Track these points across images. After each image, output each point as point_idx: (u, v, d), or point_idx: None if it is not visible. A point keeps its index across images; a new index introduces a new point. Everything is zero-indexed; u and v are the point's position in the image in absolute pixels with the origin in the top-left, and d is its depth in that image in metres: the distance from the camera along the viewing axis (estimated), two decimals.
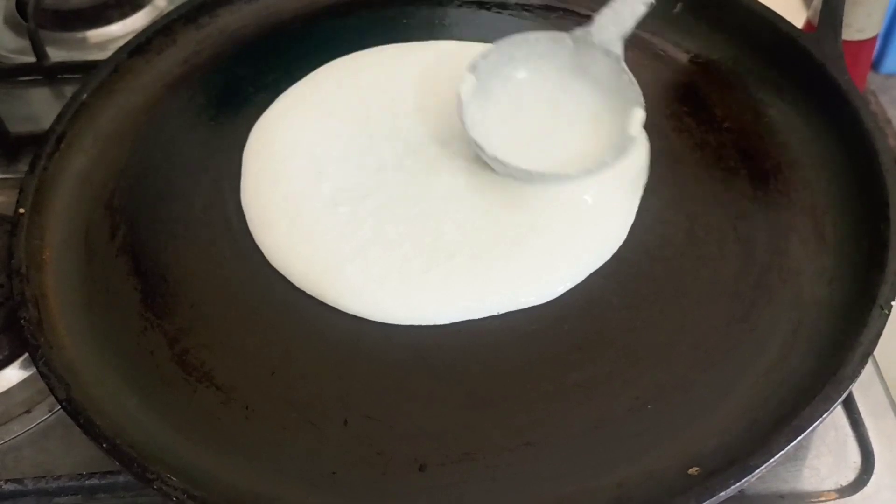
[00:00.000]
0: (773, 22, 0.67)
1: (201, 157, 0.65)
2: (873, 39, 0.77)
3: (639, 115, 0.59)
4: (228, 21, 0.74)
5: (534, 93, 0.63)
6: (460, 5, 0.74)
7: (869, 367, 0.57)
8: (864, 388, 0.57)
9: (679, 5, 0.71)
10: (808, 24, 0.75)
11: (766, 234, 0.59)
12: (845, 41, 0.67)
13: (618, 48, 0.61)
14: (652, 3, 0.60)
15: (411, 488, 0.48)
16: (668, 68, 0.69)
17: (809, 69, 0.64)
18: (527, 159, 0.58)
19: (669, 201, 0.61)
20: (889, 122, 0.90)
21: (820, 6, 0.66)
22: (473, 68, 0.61)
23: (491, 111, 0.62)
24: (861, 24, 0.74)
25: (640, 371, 0.53)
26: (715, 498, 0.45)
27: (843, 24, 0.66)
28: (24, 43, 0.83)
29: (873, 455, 0.54)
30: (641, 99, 0.59)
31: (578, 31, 0.62)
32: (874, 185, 0.57)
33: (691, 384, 0.52)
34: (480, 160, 0.60)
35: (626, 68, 0.60)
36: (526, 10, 0.74)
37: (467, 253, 0.57)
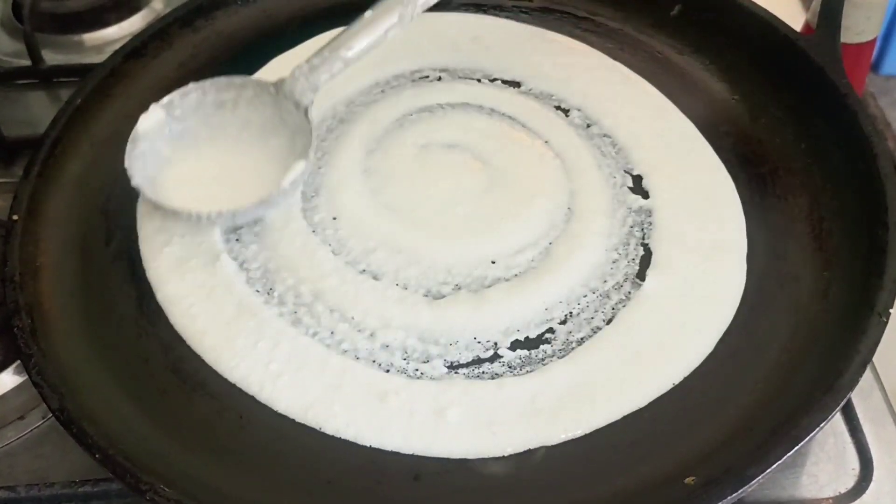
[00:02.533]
0: (772, 24, 0.67)
1: None
2: (872, 42, 0.76)
3: (298, 166, 0.58)
4: (224, 24, 0.74)
5: (237, 136, 0.62)
6: (457, 8, 0.74)
7: (868, 375, 0.57)
8: (864, 396, 0.56)
9: (677, 7, 0.71)
10: (807, 26, 0.74)
11: (764, 239, 0.58)
12: (844, 44, 0.67)
13: (307, 99, 0.60)
14: (350, 62, 0.60)
15: (406, 497, 0.48)
16: (665, 70, 0.69)
17: (808, 72, 0.64)
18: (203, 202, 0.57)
19: None
20: (889, 124, 0.90)
21: (818, 9, 0.66)
22: (167, 105, 0.60)
23: (177, 151, 0.61)
24: (860, 26, 0.73)
25: None
26: None
27: (842, 27, 0.66)
28: (20, 46, 0.82)
29: (872, 462, 0.54)
30: (309, 153, 0.59)
31: (279, 81, 0.61)
32: (872, 190, 0.56)
33: (688, 392, 0.51)
34: None
35: (310, 121, 0.60)
36: (524, 13, 0.74)
37: None
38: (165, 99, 0.60)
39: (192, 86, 0.61)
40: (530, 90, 0.68)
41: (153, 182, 0.59)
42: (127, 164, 0.57)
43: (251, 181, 0.59)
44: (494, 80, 0.69)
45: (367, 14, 0.59)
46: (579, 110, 0.66)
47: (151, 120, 0.60)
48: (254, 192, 0.58)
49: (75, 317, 0.56)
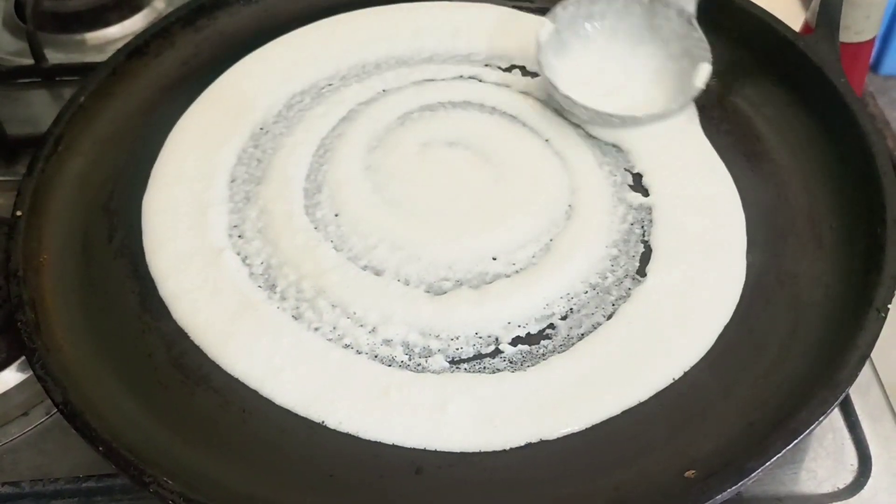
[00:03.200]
0: (771, 24, 0.67)
1: None
2: (871, 41, 0.76)
3: (705, 68, 0.63)
4: (226, 23, 0.74)
5: (606, 46, 0.67)
6: None
7: (866, 371, 0.57)
8: (862, 392, 0.57)
9: None
10: (806, 26, 0.74)
11: (764, 236, 0.58)
12: (844, 43, 0.67)
13: (692, 6, 0.64)
14: None
15: (408, 491, 0.48)
16: None
17: (806, 71, 0.64)
18: (595, 103, 0.62)
19: None
20: (888, 123, 0.89)
21: (817, 8, 0.66)
22: (553, 16, 0.65)
23: (565, 58, 0.66)
24: (859, 26, 0.73)
25: None
26: (711, 501, 0.45)
27: (842, 27, 0.66)
28: (23, 45, 0.83)
29: (870, 458, 0.54)
30: (709, 55, 0.63)
31: None
32: (871, 187, 0.57)
33: (687, 387, 0.52)
34: None
35: (698, 27, 0.63)
36: (523, 12, 0.74)
37: None
38: (550, 11, 0.65)
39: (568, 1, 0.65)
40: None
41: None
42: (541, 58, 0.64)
43: (624, 87, 0.66)
44: (489, 65, 0.70)
45: None
46: None
47: (547, 30, 0.65)
48: (640, 94, 0.65)
49: (78, 312, 0.56)
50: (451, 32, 0.72)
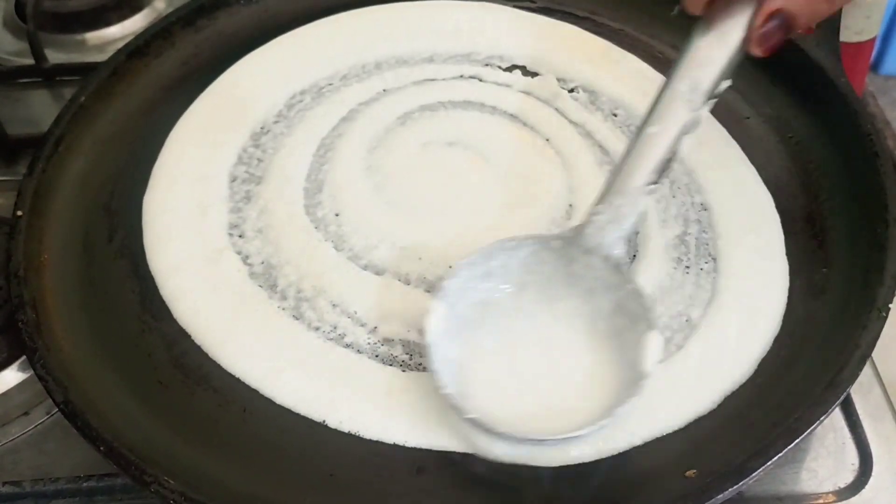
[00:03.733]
0: None
1: None
2: (872, 41, 0.77)
3: (654, 342, 0.48)
4: (226, 24, 0.74)
5: (517, 316, 0.52)
6: None
7: (867, 370, 0.57)
8: (863, 391, 0.57)
9: (676, 8, 0.71)
10: None
11: None
12: (844, 43, 0.67)
13: (619, 249, 0.51)
14: (656, 188, 0.50)
15: (409, 490, 0.48)
16: (665, 70, 0.69)
17: (807, 71, 0.64)
18: (518, 414, 0.48)
19: None
20: (888, 123, 0.89)
21: None
22: (441, 294, 0.50)
23: (467, 343, 0.50)
24: (859, 26, 0.74)
25: None
26: (712, 501, 0.44)
27: (842, 26, 0.66)
28: (23, 45, 0.83)
29: (871, 457, 0.54)
30: (653, 317, 0.49)
31: (568, 232, 0.51)
32: (872, 187, 0.57)
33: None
34: None
35: (631, 276, 0.52)
36: (525, 12, 0.74)
37: None
38: (437, 288, 0.51)
39: (460, 262, 0.51)
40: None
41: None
42: (436, 367, 0.48)
43: (554, 362, 0.50)
44: (489, 65, 0.70)
45: (650, 130, 0.49)
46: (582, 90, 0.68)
47: (436, 317, 0.50)
48: (566, 379, 0.49)
49: (79, 312, 0.56)
50: (452, 32, 0.72)
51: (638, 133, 0.50)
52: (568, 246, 0.51)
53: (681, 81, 0.49)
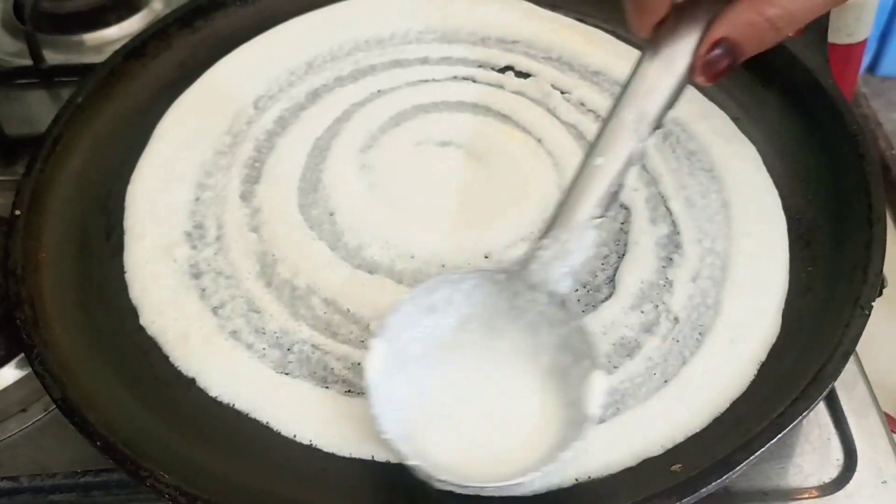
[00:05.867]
0: None
1: None
2: (863, 43, 0.77)
3: (598, 383, 0.46)
4: (223, 25, 0.75)
5: (461, 352, 0.50)
6: None
7: (852, 367, 0.58)
8: (848, 388, 0.57)
9: None
10: None
11: None
12: (836, 45, 0.68)
13: (565, 287, 0.49)
14: (601, 221, 0.49)
15: (403, 485, 0.48)
16: None
17: (795, 73, 0.64)
18: (460, 458, 0.47)
19: None
20: (880, 124, 0.90)
21: None
22: (382, 332, 0.48)
23: (410, 386, 0.49)
24: (850, 28, 0.74)
25: None
26: (697, 494, 0.45)
27: (833, 29, 0.67)
28: (21, 46, 0.83)
29: (856, 453, 0.55)
30: (597, 355, 0.48)
31: (513, 266, 0.50)
32: (858, 188, 0.57)
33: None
34: None
35: (577, 312, 0.51)
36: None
37: None
38: (381, 326, 0.49)
39: (399, 302, 0.50)
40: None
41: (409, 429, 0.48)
42: (376, 411, 0.47)
43: (496, 399, 0.49)
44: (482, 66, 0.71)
45: (598, 161, 0.48)
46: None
47: (376, 356, 0.48)
48: (510, 416, 0.48)
49: (76, 309, 0.57)
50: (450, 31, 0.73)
51: (583, 164, 0.49)
52: (512, 280, 0.49)
53: (627, 110, 0.48)
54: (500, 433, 0.48)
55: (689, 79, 0.47)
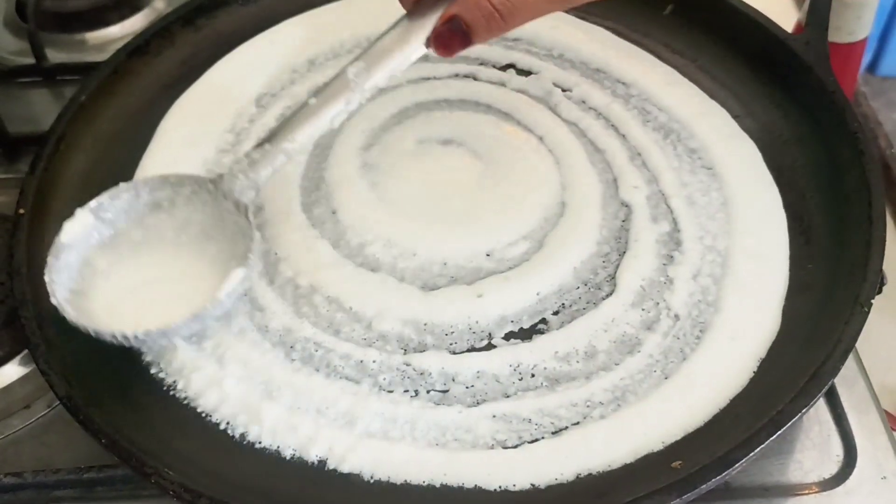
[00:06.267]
0: (762, 24, 0.68)
1: None
2: (863, 42, 0.77)
3: (235, 275, 0.52)
4: (226, 23, 0.75)
5: (176, 243, 0.56)
6: None
7: (852, 364, 0.58)
8: (848, 384, 0.57)
9: (669, 7, 0.72)
10: (799, 25, 0.75)
11: None
12: (836, 44, 0.68)
13: (248, 196, 0.55)
14: (293, 154, 0.55)
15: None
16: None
17: (797, 70, 0.65)
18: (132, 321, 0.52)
19: None
20: (880, 123, 0.90)
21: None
22: (93, 206, 0.55)
23: (109, 261, 0.55)
24: (851, 26, 0.74)
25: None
26: (697, 490, 0.46)
27: (834, 27, 0.67)
28: (24, 44, 0.83)
29: (856, 449, 0.55)
30: (250, 258, 0.53)
31: (217, 178, 0.55)
32: (858, 186, 0.58)
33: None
34: None
35: (252, 222, 0.54)
36: None
37: None
38: (93, 202, 0.55)
39: (123, 186, 0.56)
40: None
41: (83, 296, 0.53)
42: (48, 277, 0.52)
43: (189, 291, 0.54)
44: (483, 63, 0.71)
45: (311, 101, 0.54)
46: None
47: (77, 226, 0.54)
48: (191, 304, 0.53)
49: None
50: None
51: (301, 103, 0.54)
52: (217, 189, 0.55)
53: (353, 65, 0.54)
54: (172, 299, 0.53)
55: (425, 48, 0.53)
